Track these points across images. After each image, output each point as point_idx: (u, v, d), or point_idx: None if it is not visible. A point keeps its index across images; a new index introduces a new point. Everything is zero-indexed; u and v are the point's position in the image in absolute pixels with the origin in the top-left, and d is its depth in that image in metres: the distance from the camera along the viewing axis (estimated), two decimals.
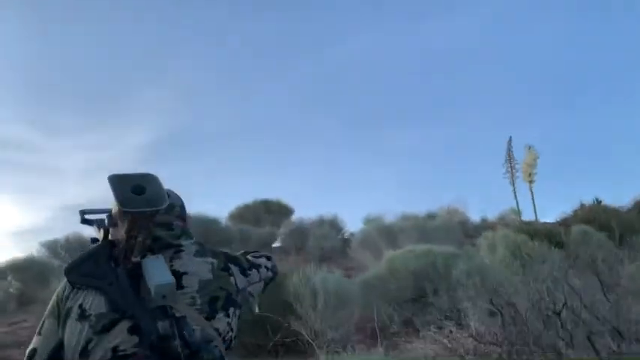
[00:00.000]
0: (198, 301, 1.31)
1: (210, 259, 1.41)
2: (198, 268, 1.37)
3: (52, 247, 11.70)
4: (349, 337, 5.36)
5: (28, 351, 1.28)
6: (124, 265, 1.27)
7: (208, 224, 11.77)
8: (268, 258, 1.63)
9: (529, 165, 13.53)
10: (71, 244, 12.07)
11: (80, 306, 1.24)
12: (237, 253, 1.55)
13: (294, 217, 15.19)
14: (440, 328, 5.29)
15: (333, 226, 12.04)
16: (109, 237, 1.31)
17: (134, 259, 1.27)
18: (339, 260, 9.84)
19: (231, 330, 1.35)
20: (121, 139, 29.03)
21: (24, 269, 9.46)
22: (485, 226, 14.54)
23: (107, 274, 1.27)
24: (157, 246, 1.33)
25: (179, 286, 1.28)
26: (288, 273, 6.40)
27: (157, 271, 1.26)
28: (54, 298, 1.31)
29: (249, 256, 1.58)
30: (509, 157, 14.22)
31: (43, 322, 1.30)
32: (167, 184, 1.30)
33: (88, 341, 1.20)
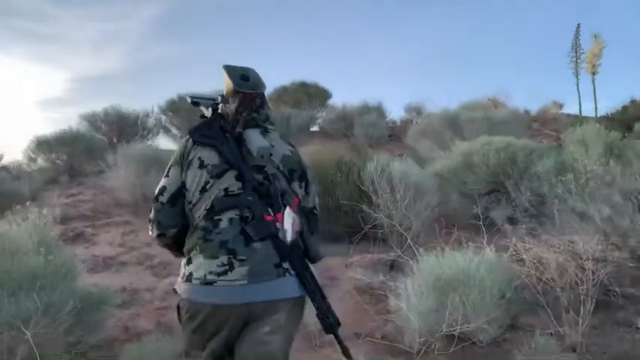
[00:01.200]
0: (282, 168, 1.72)
1: (290, 147, 1.81)
2: (282, 146, 1.76)
3: (91, 120, 11.47)
4: (430, 229, 5.14)
5: (158, 188, 1.73)
6: (232, 133, 1.70)
7: None
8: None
9: (594, 55, 12.48)
10: (110, 116, 11.82)
11: (199, 158, 1.67)
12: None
13: (332, 102, 14.66)
14: (532, 231, 5.06)
15: (379, 113, 11.55)
16: (219, 111, 1.76)
17: (238, 130, 1.70)
18: (390, 149, 9.53)
19: (307, 194, 1.80)
20: (134, 10, 27.33)
21: (71, 143, 9.30)
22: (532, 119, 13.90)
23: (219, 136, 1.70)
24: (252, 124, 1.73)
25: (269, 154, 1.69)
26: (359, 161, 6.08)
27: (257, 139, 1.68)
28: (177, 151, 1.74)
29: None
30: (576, 46, 13.08)
31: (169, 169, 1.73)
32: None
33: (207, 182, 1.64)
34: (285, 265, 1.62)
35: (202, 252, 1.59)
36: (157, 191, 1.74)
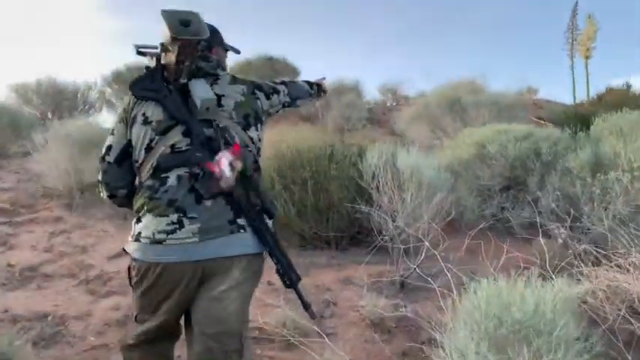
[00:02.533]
0: (235, 117, 1.67)
1: (241, 86, 1.75)
2: (233, 93, 1.71)
3: (21, 91, 9.76)
4: (446, 234, 4.11)
5: (104, 147, 1.70)
6: (175, 84, 1.62)
7: None
8: (285, 84, 1.97)
9: (588, 37, 11.82)
10: (43, 87, 10.16)
11: (143, 114, 1.62)
12: (261, 81, 1.89)
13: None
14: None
15: (356, 93, 10.40)
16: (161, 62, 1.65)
17: (182, 81, 1.62)
18: (373, 134, 8.46)
19: (260, 140, 1.75)
20: None
21: None
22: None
23: (162, 89, 1.62)
24: (199, 74, 1.66)
25: (219, 104, 1.65)
26: (354, 150, 4.97)
27: (201, 90, 1.60)
28: (121, 108, 1.70)
29: (270, 82, 1.91)
30: (572, 27, 12.35)
31: (114, 126, 1.70)
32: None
33: (152, 139, 1.59)
34: (241, 221, 1.59)
35: (150, 211, 1.56)
36: (103, 151, 1.71)
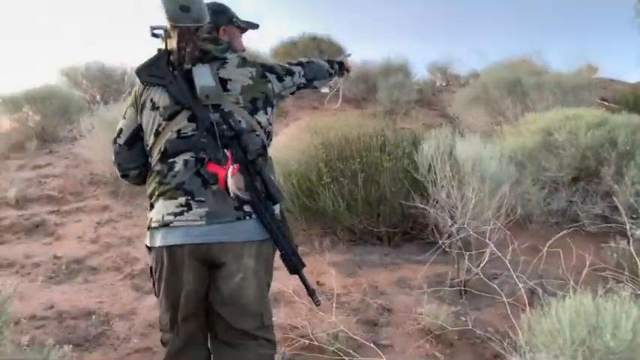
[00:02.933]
0: (241, 101, 1.65)
1: (250, 69, 1.70)
2: (240, 76, 1.67)
3: (72, 75, 9.86)
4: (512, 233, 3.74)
5: (117, 130, 1.73)
6: (179, 70, 1.62)
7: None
8: (302, 65, 1.89)
9: None
10: (92, 71, 10.24)
11: (151, 100, 1.64)
12: (274, 63, 1.86)
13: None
14: None
15: (404, 73, 9.91)
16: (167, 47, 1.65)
17: (186, 67, 1.62)
18: (422, 117, 8.03)
19: (270, 124, 1.72)
20: None
21: (42, 100, 7.72)
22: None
23: (167, 74, 1.62)
24: (206, 58, 1.64)
25: (225, 89, 1.63)
26: (407, 139, 4.63)
27: (202, 76, 1.59)
28: (132, 94, 1.71)
29: (285, 64, 1.85)
30: None
31: (126, 110, 1.72)
32: None
33: (159, 125, 1.62)
34: (247, 208, 1.57)
35: (161, 195, 1.58)
36: (116, 133, 1.73)
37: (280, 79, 1.78)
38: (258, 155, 1.61)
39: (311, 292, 1.67)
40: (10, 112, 7.94)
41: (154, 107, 1.62)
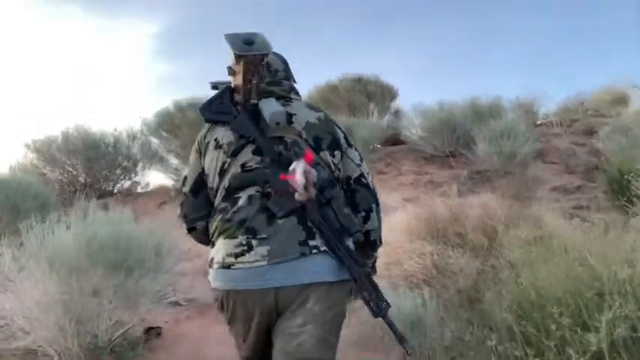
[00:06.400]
0: (305, 135, 1.51)
1: (317, 113, 1.60)
2: (306, 114, 1.57)
3: (43, 150, 7.31)
4: None
5: (182, 179, 1.64)
6: (244, 105, 1.54)
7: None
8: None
9: None
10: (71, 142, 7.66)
11: (215, 139, 1.54)
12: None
13: (400, 103, 10.42)
14: None
15: (502, 113, 7.02)
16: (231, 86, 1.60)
17: (252, 101, 1.53)
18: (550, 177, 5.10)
19: (338, 170, 1.53)
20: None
21: None
22: None
23: (231, 110, 1.55)
24: (274, 95, 1.56)
25: (289, 122, 1.52)
26: None
27: (271, 105, 1.51)
28: (196, 140, 1.62)
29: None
30: None
31: (190, 157, 1.62)
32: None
33: (224, 163, 1.50)
34: (313, 242, 1.41)
35: (222, 233, 1.47)
36: (180, 183, 1.66)
37: (347, 141, 1.61)
38: (328, 185, 1.47)
39: (401, 340, 1.36)
40: None
41: (218, 146, 1.53)
